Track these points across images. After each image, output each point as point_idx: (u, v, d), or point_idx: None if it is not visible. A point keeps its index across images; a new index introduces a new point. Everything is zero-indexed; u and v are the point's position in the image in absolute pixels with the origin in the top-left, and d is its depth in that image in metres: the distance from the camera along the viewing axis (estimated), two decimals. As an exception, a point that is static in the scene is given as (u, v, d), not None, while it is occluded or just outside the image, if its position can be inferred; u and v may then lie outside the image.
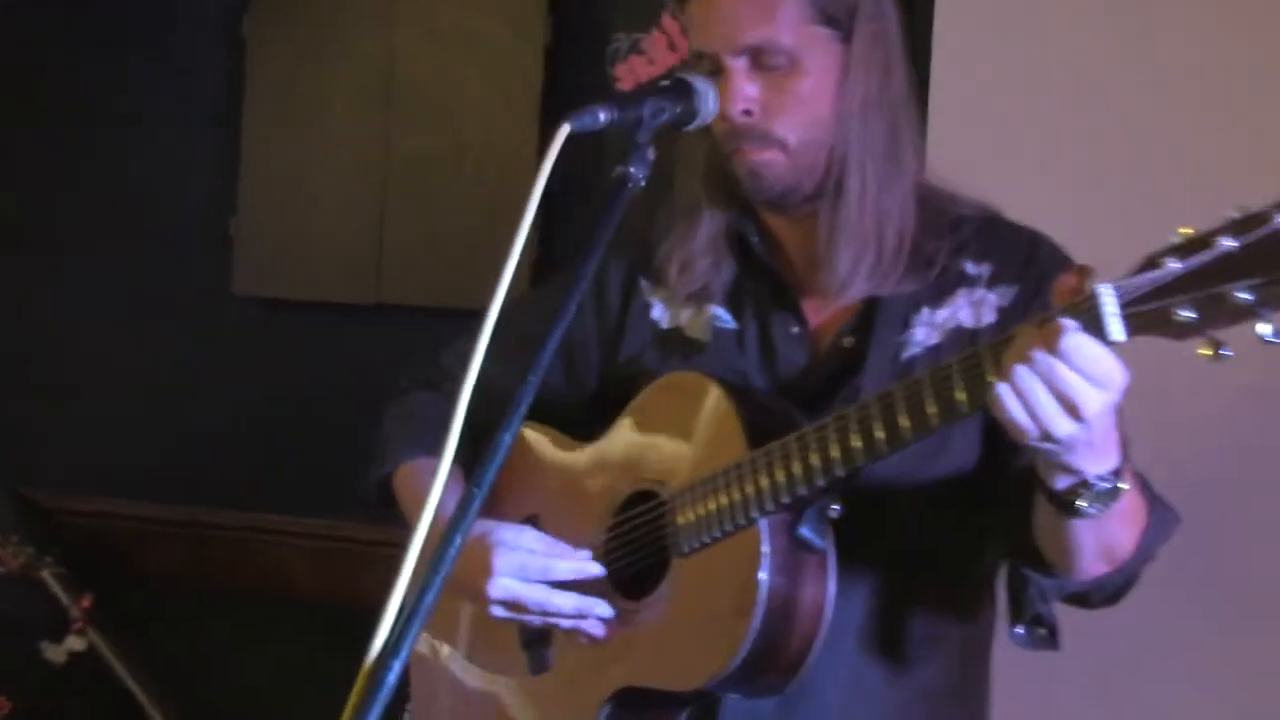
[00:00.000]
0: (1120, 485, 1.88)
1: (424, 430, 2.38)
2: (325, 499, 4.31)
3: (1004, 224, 2.22)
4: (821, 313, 2.21)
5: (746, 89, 2.12)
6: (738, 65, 2.12)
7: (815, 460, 1.99)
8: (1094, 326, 1.73)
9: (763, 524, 2.04)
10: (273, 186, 4.55)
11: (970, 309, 2.14)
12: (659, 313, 2.31)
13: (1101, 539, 1.97)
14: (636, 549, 2.20)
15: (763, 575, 2.02)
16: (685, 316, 2.28)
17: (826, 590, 2.04)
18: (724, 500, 2.07)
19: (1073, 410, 1.76)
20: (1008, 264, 2.15)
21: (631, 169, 1.85)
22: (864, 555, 2.08)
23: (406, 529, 1.73)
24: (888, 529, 2.11)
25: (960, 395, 1.86)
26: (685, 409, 2.17)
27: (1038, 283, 2.11)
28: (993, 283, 2.15)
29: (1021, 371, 1.76)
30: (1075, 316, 1.73)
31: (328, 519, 4.37)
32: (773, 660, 2.04)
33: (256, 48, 4.56)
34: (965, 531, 2.15)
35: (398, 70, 4.42)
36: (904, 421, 1.91)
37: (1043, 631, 2.10)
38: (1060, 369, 1.74)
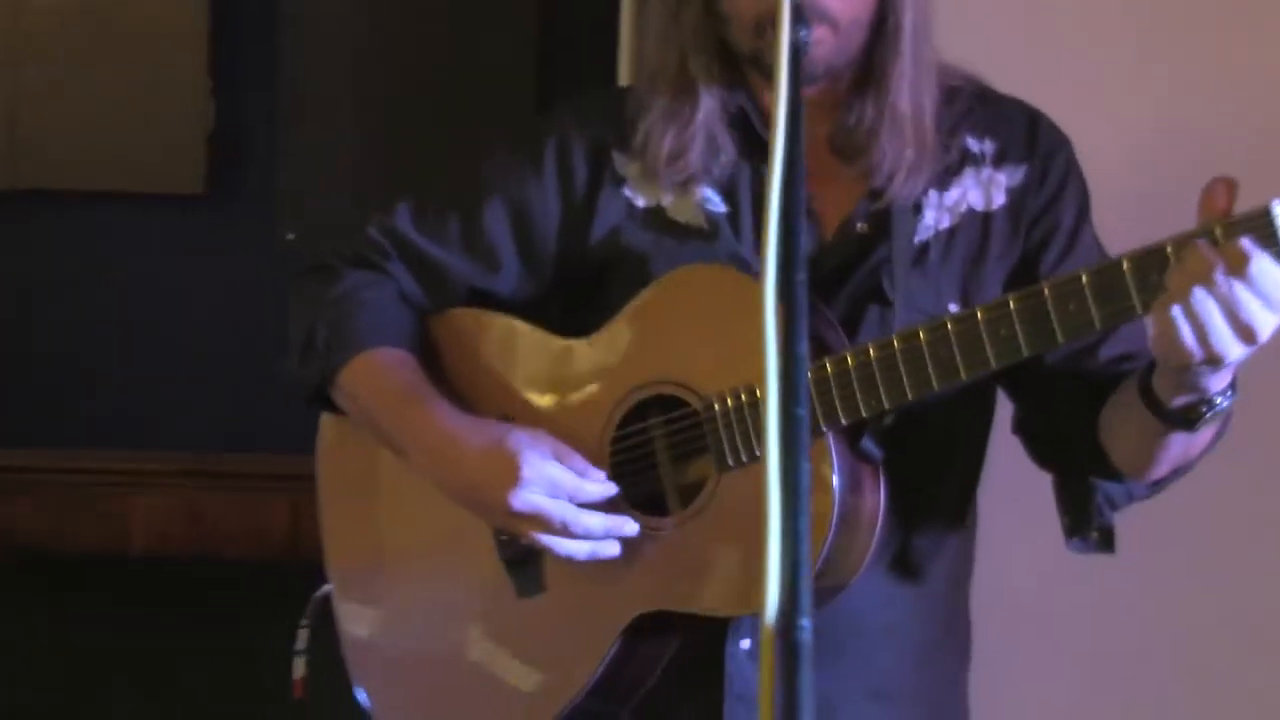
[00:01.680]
0: (1233, 398, 1.90)
1: (375, 317, 2.19)
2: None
3: (997, 96, 2.16)
4: (823, 198, 2.10)
5: None
6: None
7: (909, 378, 1.93)
8: (1269, 244, 1.74)
9: (829, 434, 1.96)
10: None
11: (979, 190, 2.11)
12: (631, 191, 2.16)
13: (1189, 445, 1.97)
14: (657, 461, 2.09)
15: (836, 489, 1.95)
16: (668, 199, 2.14)
17: (880, 501, 2.00)
18: None
19: (1248, 335, 1.76)
20: (1011, 142, 2.13)
21: (803, 33, 1.72)
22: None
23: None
24: (907, 431, 2.04)
25: (1094, 312, 1.84)
26: (719, 308, 2.04)
27: (1045, 162, 2.12)
28: (999, 162, 2.11)
29: (1200, 295, 1.74)
30: (1248, 234, 1.74)
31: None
32: (833, 575, 2.00)
33: None
34: (973, 431, 2.17)
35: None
36: (1022, 336, 1.87)
37: (1096, 536, 2.10)
38: (1242, 293, 1.74)
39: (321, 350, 2.17)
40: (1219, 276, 1.72)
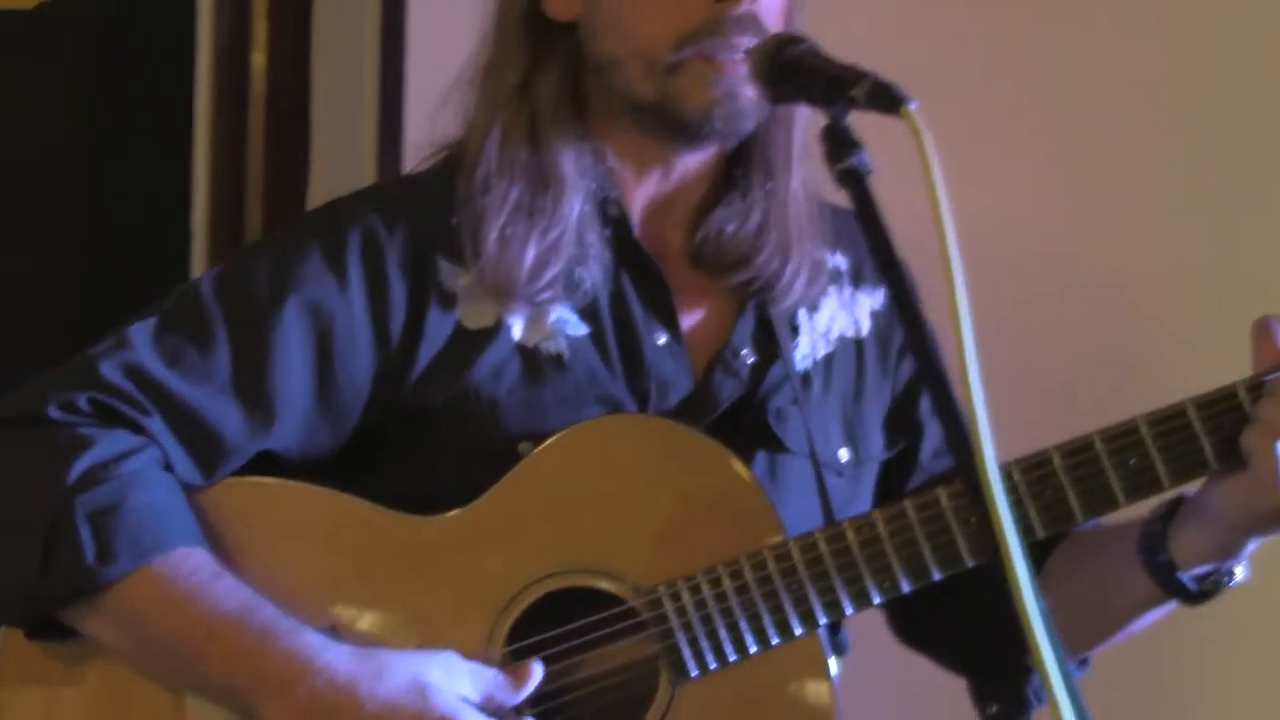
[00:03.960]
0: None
1: (161, 500, 1.69)
2: None
3: (833, 207, 1.91)
4: (688, 316, 1.87)
5: None
6: None
7: (935, 554, 1.71)
8: None
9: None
10: None
11: (847, 313, 1.93)
12: (464, 311, 1.79)
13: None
14: (578, 679, 1.73)
15: (837, 697, 1.74)
16: (515, 319, 1.79)
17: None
18: (777, 602, 1.72)
19: None
20: (864, 258, 1.95)
21: (866, 156, 1.48)
22: None
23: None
24: None
25: (1160, 468, 1.71)
26: (648, 472, 1.75)
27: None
28: (857, 281, 1.95)
29: None
30: None
31: None
32: None
33: None
34: None
35: None
36: (1074, 499, 1.71)
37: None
38: None
39: (89, 555, 1.64)
40: None
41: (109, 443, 1.69)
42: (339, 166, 2.83)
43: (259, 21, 2.81)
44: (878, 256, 1.46)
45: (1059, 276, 2.80)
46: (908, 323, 1.42)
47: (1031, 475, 1.72)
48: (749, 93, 1.74)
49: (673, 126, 1.80)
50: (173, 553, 1.68)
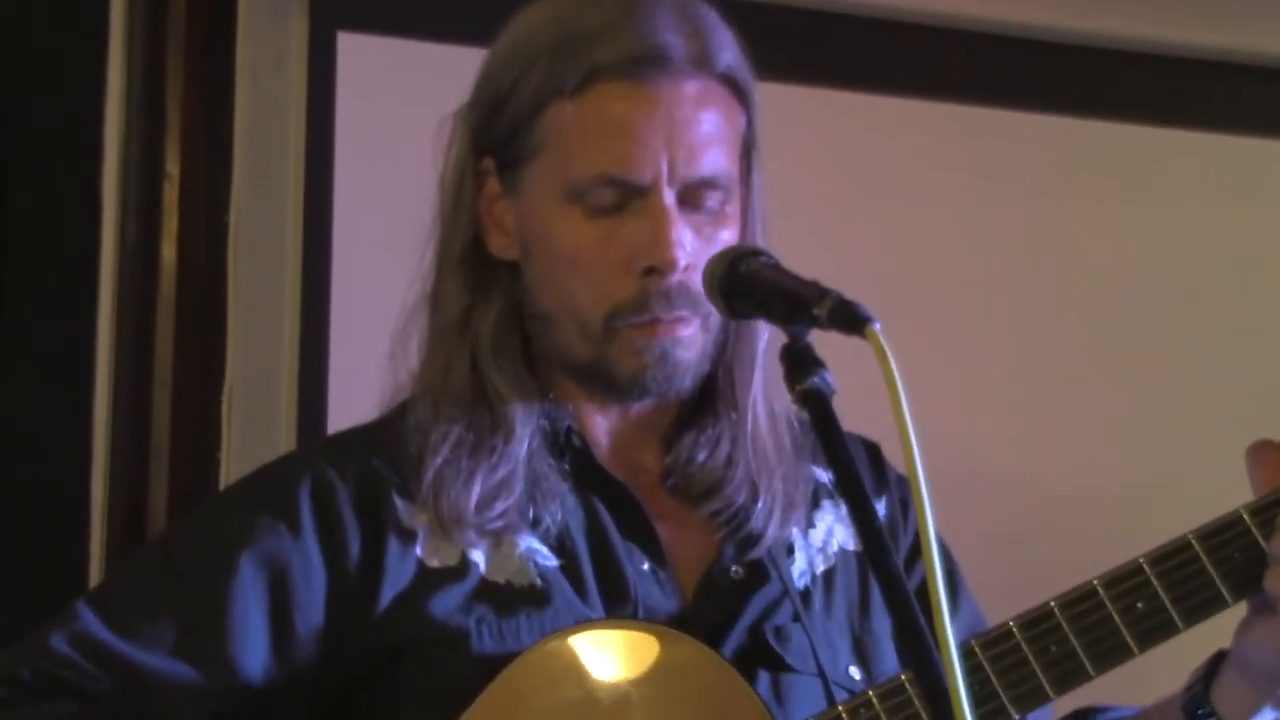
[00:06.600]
0: None
1: None
2: None
3: None
4: (672, 537, 1.82)
5: (686, 233, 1.75)
6: (672, 199, 1.74)
7: None
8: None
9: None
10: None
11: (843, 525, 1.90)
12: (426, 549, 1.75)
13: None
14: None
15: None
16: (478, 553, 1.74)
17: None
18: None
19: None
20: (862, 468, 1.92)
21: (829, 375, 1.47)
22: None
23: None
24: None
25: (1172, 610, 1.66)
26: (635, 675, 1.67)
27: (901, 493, 1.94)
28: None
29: None
30: None
31: None
32: None
33: None
34: None
35: None
36: (1083, 653, 1.64)
37: None
38: None
39: None
40: None
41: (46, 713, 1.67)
42: (257, 365, 2.68)
43: (169, 213, 2.67)
44: (839, 483, 1.46)
45: (1030, 490, 2.85)
46: (867, 547, 1.41)
47: (1032, 631, 1.66)
48: (690, 353, 1.76)
49: (608, 386, 1.81)
50: None
